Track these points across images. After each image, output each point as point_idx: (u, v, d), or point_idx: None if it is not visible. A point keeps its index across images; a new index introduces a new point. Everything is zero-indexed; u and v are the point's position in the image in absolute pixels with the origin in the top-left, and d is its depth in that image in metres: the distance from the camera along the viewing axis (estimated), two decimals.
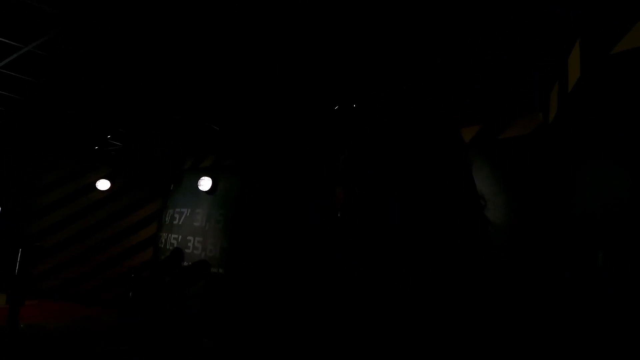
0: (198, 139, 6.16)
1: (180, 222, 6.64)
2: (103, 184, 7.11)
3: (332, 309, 3.69)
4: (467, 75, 3.56)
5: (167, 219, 7.02)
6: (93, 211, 7.50)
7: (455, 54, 3.34)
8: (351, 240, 4.37)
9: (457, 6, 2.99)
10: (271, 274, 4.83)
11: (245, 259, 5.45)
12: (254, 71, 3.88)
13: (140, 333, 4.82)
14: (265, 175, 5.72)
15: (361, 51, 3.55)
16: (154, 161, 7.11)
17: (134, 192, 7.47)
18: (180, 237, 6.54)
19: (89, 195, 7.41)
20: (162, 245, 6.96)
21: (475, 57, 3.35)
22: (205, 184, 6.20)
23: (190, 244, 6.31)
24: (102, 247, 7.56)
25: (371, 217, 4.86)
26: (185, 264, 6.19)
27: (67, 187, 7.24)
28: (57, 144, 6.53)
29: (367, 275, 4.18)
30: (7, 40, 3.81)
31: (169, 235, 6.79)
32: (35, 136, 6.02)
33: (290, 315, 4.02)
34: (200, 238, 6.19)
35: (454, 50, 3.31)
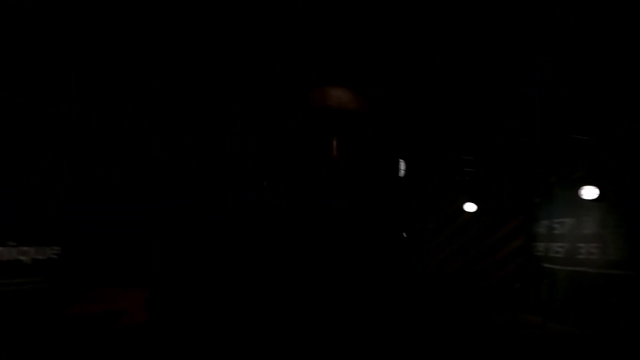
0: (563, 152, 6.48)
1: (563, 231, 7.28)
2: (469, 206, 8.58)
3: (333, 308, 3.69)
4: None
5: (542, 230, 7.84)
6: (465, 230, 8.91)
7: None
8: (351, 240, 4.37)
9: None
10: None
11: None
12: None
13: None
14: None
15: (361, 51, 3.55)
16: (509, 182, 8.44)
17: (496, 210, 8.76)
18: (566, 244, 7.16)
19: (460, 218, 8.92)
20: (542, 254, 7.73)
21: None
22: (590, 192, 6.55)
23: (582, 250, 6.84)
24: (478, 260, 8.79)
25: (371, 217, 4.86)
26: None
27: (443, 214, 9.05)
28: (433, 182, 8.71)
29: (369, 273, 4.18)
30: None
31: (550, 244, 7.55)
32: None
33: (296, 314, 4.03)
34: (596, 244, 6.64)
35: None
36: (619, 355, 5.18)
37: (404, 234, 6.07)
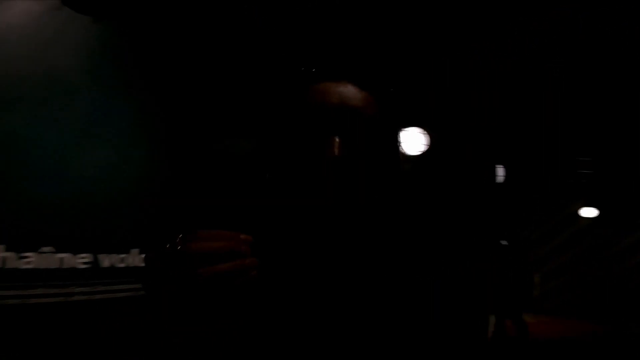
0: None
1: None
2: (587, 212, 7.53)
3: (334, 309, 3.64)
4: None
5: None
6: (582, 238, 7.94)
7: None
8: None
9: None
10: None
11: None
12: None
13: None
14: None
15: (367, 48, 3.50)
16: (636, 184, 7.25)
17: (619, 215, 7.70)
18: None
19: (574, 224, 7.95)
20: None
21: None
22: None
23: None
24: (598, 270, 7.85)
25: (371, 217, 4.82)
26: None
27: (551, 222, 8.12)
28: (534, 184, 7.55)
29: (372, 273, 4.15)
30: None
31: None
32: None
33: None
34: None
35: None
36: None
37: (504, 242, 5.58)
